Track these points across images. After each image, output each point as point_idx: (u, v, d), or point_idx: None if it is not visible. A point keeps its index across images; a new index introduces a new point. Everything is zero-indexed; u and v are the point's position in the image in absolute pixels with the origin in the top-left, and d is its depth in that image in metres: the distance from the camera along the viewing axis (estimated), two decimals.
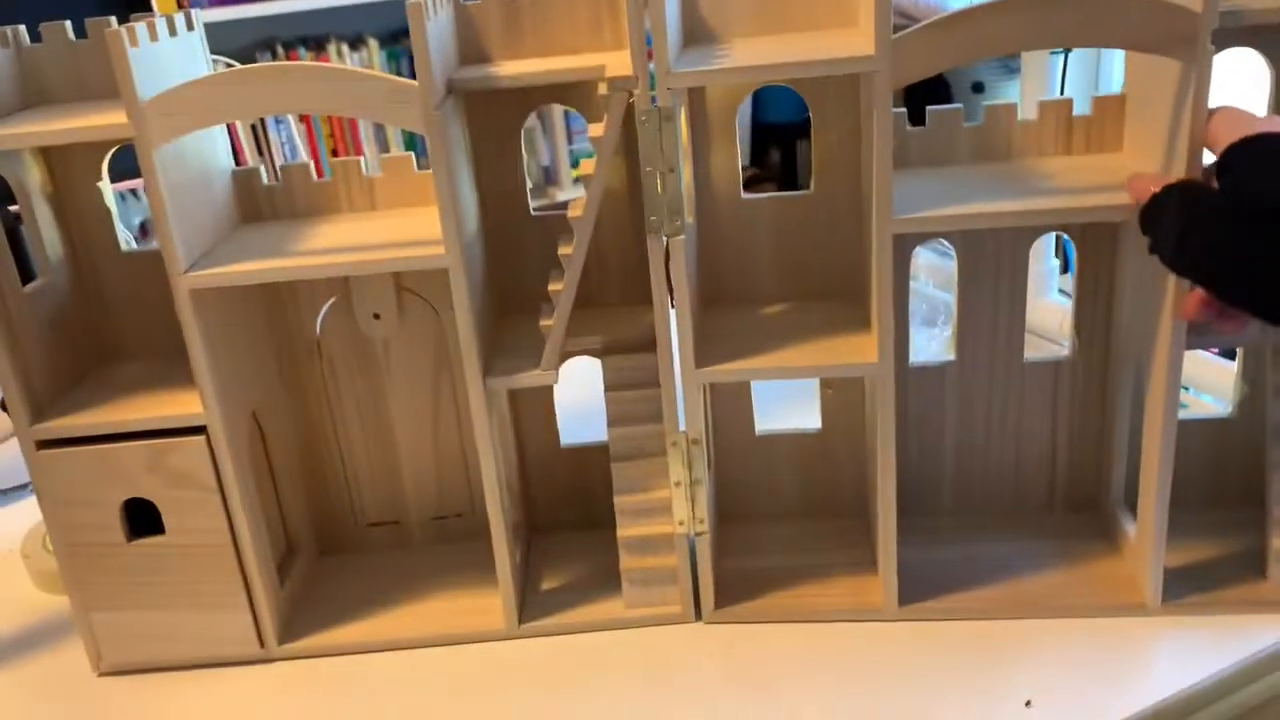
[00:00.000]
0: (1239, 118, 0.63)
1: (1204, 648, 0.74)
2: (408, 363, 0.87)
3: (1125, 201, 0.68)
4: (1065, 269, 1.28)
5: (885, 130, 0.67)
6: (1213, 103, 0.65)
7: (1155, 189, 0.64)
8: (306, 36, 2.65)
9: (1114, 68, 1.52)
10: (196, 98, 0.68)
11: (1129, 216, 0.67)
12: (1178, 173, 0.67)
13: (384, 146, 2.65)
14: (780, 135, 3.01)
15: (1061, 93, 1.13)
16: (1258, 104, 0.76)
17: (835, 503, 0.91)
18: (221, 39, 2.37)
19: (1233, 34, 0.70)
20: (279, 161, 2.38)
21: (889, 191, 0.68)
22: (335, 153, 2.58)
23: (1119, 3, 0.63)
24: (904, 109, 0.78)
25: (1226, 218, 0.59)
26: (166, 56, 0.72)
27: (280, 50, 2.57)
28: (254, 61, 2.43)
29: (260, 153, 2.35)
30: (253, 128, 2.33)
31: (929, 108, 0.78)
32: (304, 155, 2.43)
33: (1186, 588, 0.78)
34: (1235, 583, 0.78)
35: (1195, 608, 0.77)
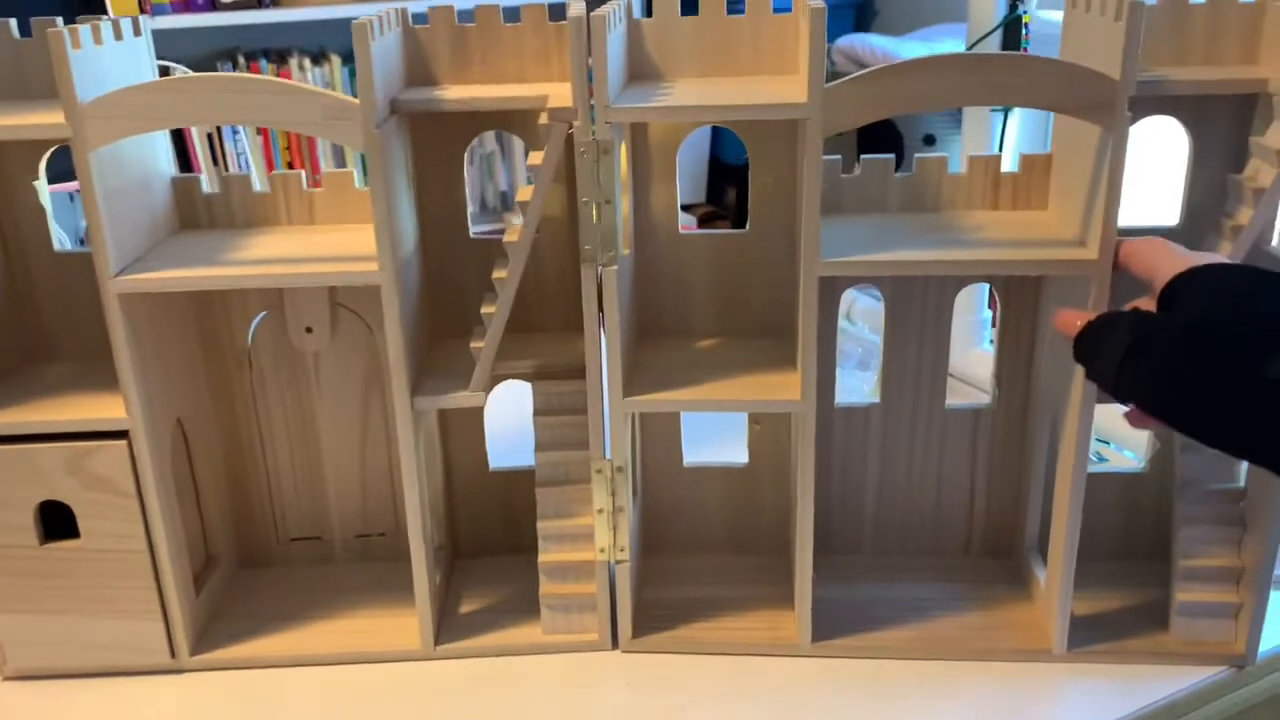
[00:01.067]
0: (1178, 251, 0.61)
1: (1106, 695, 0.76)
2: (338, 378, 0.87)
3: (1049, 256, 0.71)
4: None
5: (814, 175, 0.69)
6: (1131, 168, 0.67)
7: (1080, 321, 0.62)
8: (269, 49, 2.65)
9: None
10: (135, 103, 0.68)
11: (1050, 271, 0.69)
12: (1094, 234, 0.69)
13: (340, 161, 2.64)
14: (737, 174, 3.05)
15: (1001, 148, 1.17)
16: (1176, 171, 0.80)
17: (759, 537, 0.92)
18: (183, 47, 2.36)
19: (1153, 102, 0.74)
20: (234, 172, 2.37)
21: (816, 234, 0.70)
22: (290, 165, 2.57)
23: (1040, 67, 0.66)
24: (838, 156, 0.80)
25: (1177, 336, 0.55)
26: (109, 60, 0.72)
27: (242, 61, 2.56)
28: (214, 71, 2.43)
29: (215, 162, 2.34)
30: (209, 137, 2.32)
31: (862, 156, 0.80)
32: (255, 167, 2.42)
33: (1092, 636, 0.80)
34: (1139, 633, 0.80)
35: (1099, 656, 0.79)
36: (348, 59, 2.67)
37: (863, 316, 1.26)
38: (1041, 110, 0.73)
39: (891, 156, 0.80)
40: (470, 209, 0.85)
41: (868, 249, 0.73)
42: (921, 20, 2.79)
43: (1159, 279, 0.60)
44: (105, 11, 2.28)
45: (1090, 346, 0.62)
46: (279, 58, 2.62)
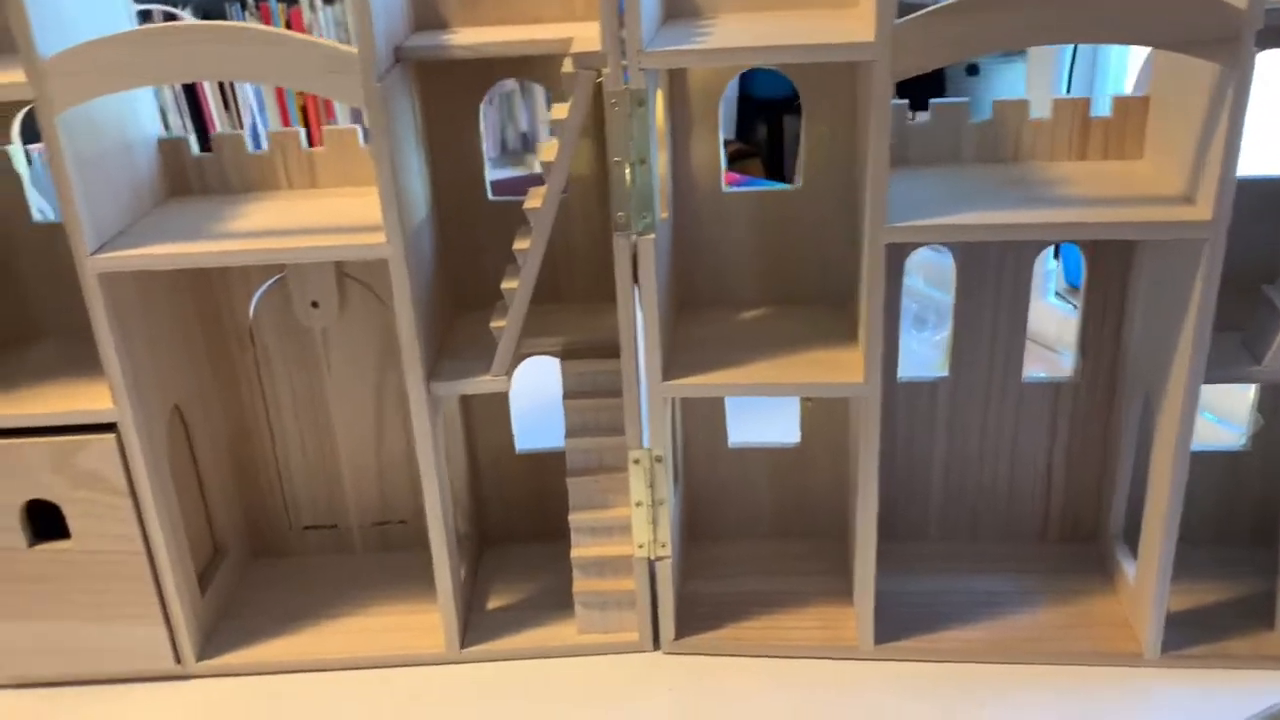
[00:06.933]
0: None
1: (1205, 706, 0.68)
2: (350, 356, 0.80)
3: (1146, 218, 0.61)
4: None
5: (882, 127, 0.59)
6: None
7: None
8: None
9: (1115, 62, 1.43)
10: (105, 58, 0.60)
11: (1156, 235, 0.60)
12: (1206, 190, 0.59)
13: (358, 113, 2.54)
14: (768, 110, 2.92)
15: (1069, 84, 1.06)
16: None
17: (812, 522, 0.84)
18: None
19: (1271, 35, 0.63)
20: (247, 123, 2.28)
21: (884, 196, 0.61)
22: (305, 115, 2.47)
23: None
24: (905, 100, 0.70)
25: None
26: (77, 9, 0.64)
27: (251, 2, 2.45)
28: (223, 14, 2.32)
29: (226, 107, 2.25)
30: (220, 86, 2.22)
31: (931, 101, 0.71)
32: (261, 118, 2.32)
33: (1188, 636, 0.72)
34: (1241, 633, 0.72)
35: (1196, 660, 0.71)
36: None
37: (919, 269, 1.16)
38: (1144, 47, 0.63)
39: (965, 101, 0.70)
40: (490, 153, 0.76)
41: (941, 209, 0.63)
42: None
43: None
44: None
45: None
46: None
